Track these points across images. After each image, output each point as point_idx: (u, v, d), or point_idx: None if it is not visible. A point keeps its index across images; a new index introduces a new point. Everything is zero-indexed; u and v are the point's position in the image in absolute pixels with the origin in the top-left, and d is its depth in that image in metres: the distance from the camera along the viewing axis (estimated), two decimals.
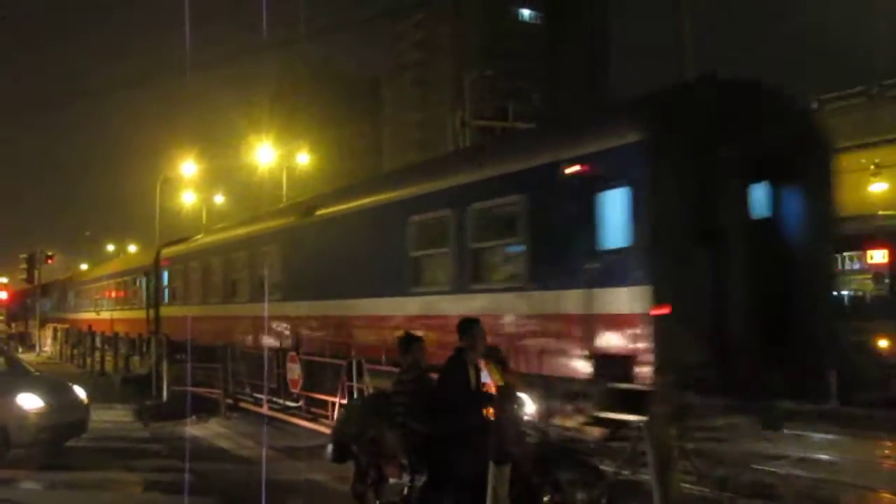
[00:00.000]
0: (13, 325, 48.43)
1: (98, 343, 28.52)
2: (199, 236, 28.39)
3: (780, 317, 9.91)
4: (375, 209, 15.53)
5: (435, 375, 7.72)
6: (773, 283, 10.02)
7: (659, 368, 8.59)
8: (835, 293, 12.61)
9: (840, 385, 12.87)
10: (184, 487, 9.91)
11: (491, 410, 7.05)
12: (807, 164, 10.92)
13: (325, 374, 14.69)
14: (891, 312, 15.53)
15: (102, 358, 27.19)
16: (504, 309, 11.75)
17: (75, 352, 31.17)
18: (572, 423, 9.70)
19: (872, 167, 27.78)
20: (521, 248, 11.74)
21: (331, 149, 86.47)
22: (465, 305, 12.16)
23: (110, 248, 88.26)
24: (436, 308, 13.09)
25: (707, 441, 9.62)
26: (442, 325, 11.65)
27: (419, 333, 8.90)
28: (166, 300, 27.93)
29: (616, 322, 9.84)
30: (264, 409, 16.05)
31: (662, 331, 9.29)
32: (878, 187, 28.00)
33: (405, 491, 7.52)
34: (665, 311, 9.36)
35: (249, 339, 19.24)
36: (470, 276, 12.68)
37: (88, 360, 28.52)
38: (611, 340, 9.93)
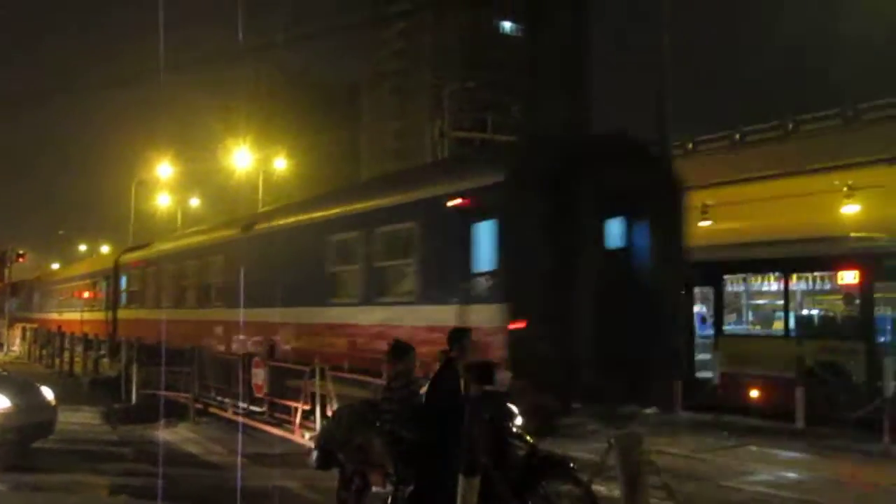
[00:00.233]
0: None
1: (67, 344, 28.24)
2: (156, 244, 29.99)
3: (628, 333, 11.37)
4: (302, 228, 17.54)
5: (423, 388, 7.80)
6: (622, 304, 11.54)
7: (514, 373, 10.10)
8: (680, 314, 14.03)
9: (684, 394, 15.69)
10: (150, 492, 9.84)
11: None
12: (660, 203, 12.84)
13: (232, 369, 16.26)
14: (861, 333, 15.70)
15: (71, 359, 26.92)
16: (400, 320, 13.55)
17: (44, 352, 30.85)
18: None
19: (845, 189, 28.04)
20: (413, 267, 13.74)
21: (308, 155, 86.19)
22: (370, 316, 14.43)
23: (83, 248, 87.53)
24: (348, 317, 15.13)
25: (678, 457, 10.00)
26: (353, 333, 14.68)
27: (335, 340, 12.31)
28: (124, 303, 29.64)
29: (483, 332, 10.95)
30: (229, 414, 15.98)
31: (517, 342, 11.01)
32: (850, 209, 28.25)
33: (389, 500, 7.49)
34: (520, 325, 11.17)
35: (196, 341, 19.77)
36: (375, 290, 14.70)
37: (57, 361, 28.24)
38: (479, 346, 10.26)
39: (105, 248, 68.22)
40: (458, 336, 7.67)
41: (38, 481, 10.62)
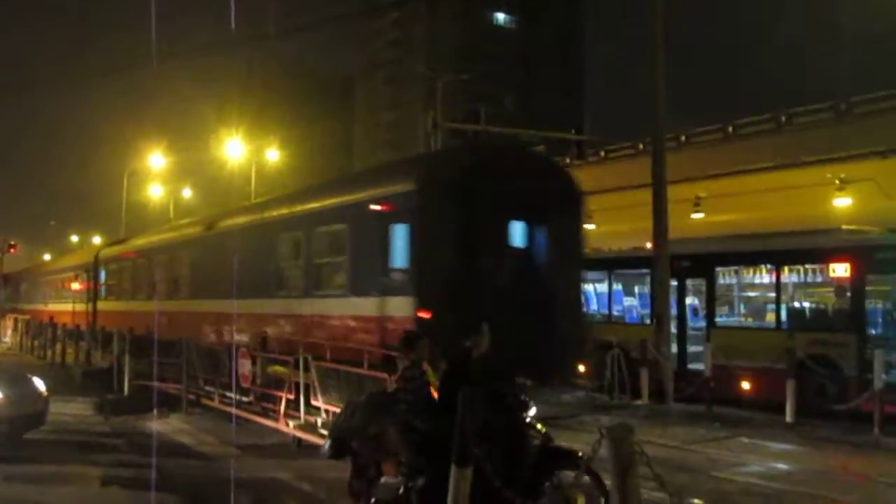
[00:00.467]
0: None
1: (59, 335, 28.21)
2: (132, 239, 32.07)
3: (529, 320, 12.93)
4: (256, 227, 19.39)
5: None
6: (524, 296, 13.39)
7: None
8: (581, 303, 16.21)
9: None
10: (142, 483, 9.86)
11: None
12: (559, 209, 14.62)
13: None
14: (852, 325, 15.76)
15: (63, 350, 26.86)
16: (334, 311, 15.49)
17: (36, 343, 30.80)
18: None
19: (837, 182, 28.11)
20: (344, 264, 15.55)
21: (301, 146, 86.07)
22: (310, 307, 16.28)
23: (75, 238, 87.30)
24: (291, 308, 16.90)
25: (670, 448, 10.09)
26: (295, 322, 16.50)
27: (283, 328, 14.60)
28: (103, 295, 31.61)
29: (396, 322, 13.35)
30: (216, 403, 15.96)
31: (424, 329, 11.95)
32: (842, 202, 28.33)
33: (401, 490, 7.46)
34: (427, 314, 12.85)
35: (167, 331, 20.49)
36: (313, 284, 16.44)
37: (49, 352, 28.19)
38: (393, 334, 13.00)
39: (97, 239, 68.10)
40: (474, 328, 7.69)
41: (30, 472, 10.60)
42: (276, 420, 13.54)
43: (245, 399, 15.21)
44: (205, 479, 10.73)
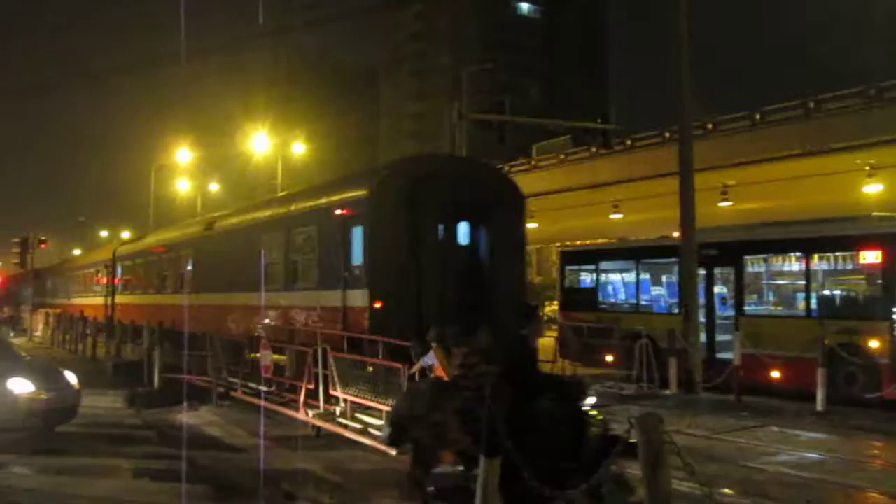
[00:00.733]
0: (4, 309, 48.31)
1: (89, 329, 28.49)
2: (145, 237, 34.61)
3: (473, 308, 14.27)
4: (246, 227, 21.55)
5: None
6: (469, 288, 15.24)
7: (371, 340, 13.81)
8: (524, 294, 17.38)
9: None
10: (173, 474, 9.92)
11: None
12: (501, 210, 16.43)
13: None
14: (883, 313, 15.59)
15: (94, 344, 27.12)
16: (307, 302, 17.42)
17: (66, 337, 31.11)
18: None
19: (867, 168, 27.82)
20: (315, 261, 17.45)
21: (327, 139, 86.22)
22: (288, 300, 18.30)
23: (104, 233, 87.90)
24: (274, 301, 18.67)
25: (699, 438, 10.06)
26: (277, 312, 18.54)
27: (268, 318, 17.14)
28: (120, 290, 33.58)
29: (355, 311, 15.43)
30: (238, 394, 16.05)
31: (376, 316, 14.77)
32: (872, 188, 28.04)
33: (460, 479, 7.38)
34: (379, 305, 14.95)
35: (174, 322, 22.68)
36: (291, 279, 18.37)
37: (80, 346, 28.47)
38: (353, 322, 15.43)
39: (126, 234, 68.54)
40: (530, 314, 7.67)
41: (63, 465, 10.73)
42: (297, 410, 13.67)
43: (266, 389, 15.40)
44: (235, 470, 10.79)
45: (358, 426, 12.22)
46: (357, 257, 15.77)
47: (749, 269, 18.75)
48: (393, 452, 11.10)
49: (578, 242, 43.31)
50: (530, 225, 42.97)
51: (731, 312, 18.64)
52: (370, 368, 12.58)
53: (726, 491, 9.23)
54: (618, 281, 22.49)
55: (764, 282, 18.87)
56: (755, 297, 18.88)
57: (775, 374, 16.87)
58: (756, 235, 19.06)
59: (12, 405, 11.59)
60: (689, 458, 6.13)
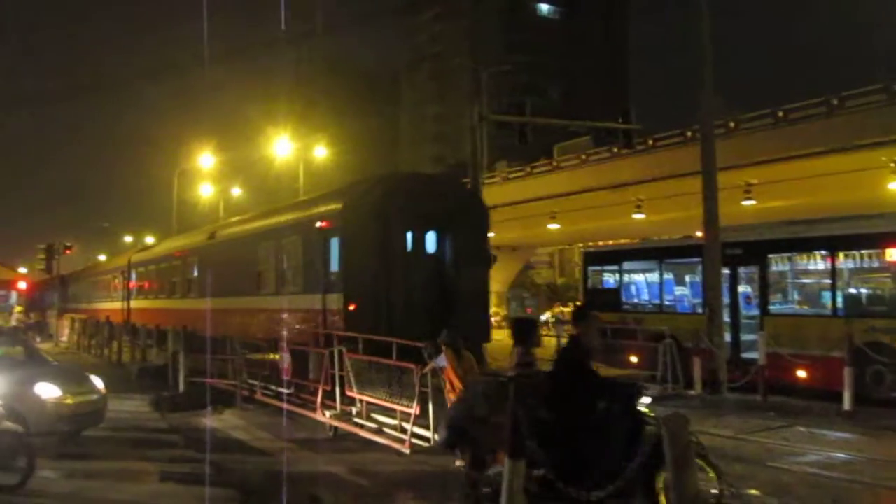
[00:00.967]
0: (31, 314, 48.71)
1: (115, 334, 28.72)
2: (157, 245, 37.35)
3: (440, 309, 16.04)
4: (242, 237, 23.45)
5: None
6: (436, 290, 17.06)
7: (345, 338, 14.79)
8: (486, 296, 19.28)
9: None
10: (199, 478, 9.97)
11: None
12: (465, 221, 18.14)
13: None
14: None
15: (119, 348, 27.31)
16: (293, 306, 19.05)
17: (92, 342, 31.35)
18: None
19: (892, 165, 27.54)
20: (300, 268, 19.14)
21: (348, 142, 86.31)
22: (278, 303, 19.73)
23: (128, 239, 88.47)
24: (266, 303, 20.47)
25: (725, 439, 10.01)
26: (268, 314, 20.19)
27: (261, 319, 19.43)
28: (134, 295, 35.33)
29: (332, 312, 17.08)
30: (258, 395, 16.10)
31: (350, 317, 16.46)
32: None
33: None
34: (352, 307, 16.60)
35: (181, 326, 22.59)
36: (281, 284, 20.13)
37: (105, 351, 28.67)
38: (330, 323, 16.95)
39: (149, 239, 68.96)
40: (584, 314, 7.65)
41: (90, 468, 10.80)
42: (314, 411, 13.87)
43: (286, 391, 15.65)
44: (260, 474, 10.84)
45: (373, 426, 12.48)
46: (335, 265, 17.45)
47: (774, 267, 18.62)
48: (407, 451, 11.29)
49: (601, 243, 43.20)
50: (552, 226, 43.28)
51: (755, 312, 18.52)
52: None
53: (753, 492, 9.17)
54: (641, 281, 22.41)
55: (789, 281, 18.74)
56: (780, 296, 18.74)
57: (801, 374, 16.75)
58: (780, 234, 18.92)
59: (40, 410, 11.68)
60: (715, 458, 6.09)
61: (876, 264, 16.90)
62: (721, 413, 14.93)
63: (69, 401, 12.17)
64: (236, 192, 61.44)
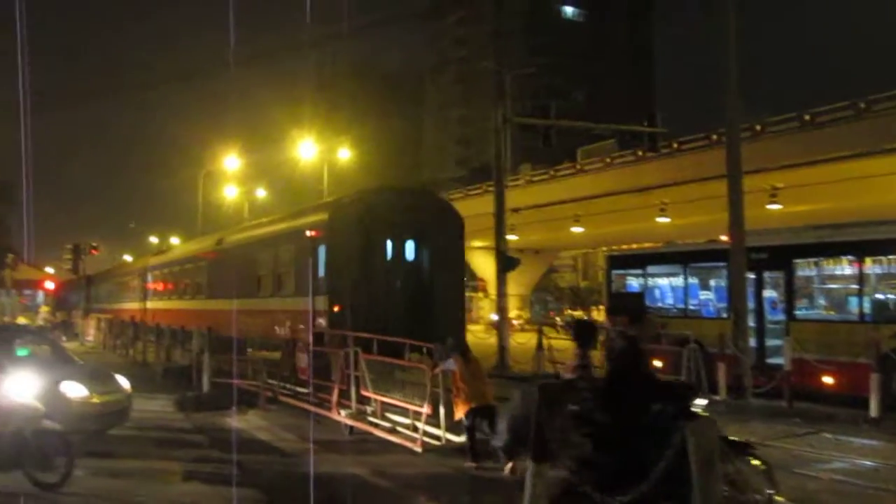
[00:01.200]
0: (57, 314, 49.16)
1: (140, 334, 28.96)
2: (171, 250, 40.53)
3: (418, 311, 18.14)
4: (245, 244, 25.57)
5: None
6: (414, 293, 18.86)
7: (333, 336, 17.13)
8: (461, 300, 20.90)
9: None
10: (223, 478, 10.03)
11: None
12: (441, 231, 19.87)
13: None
14: None
15: (144, 348, 27.51)
16: (287, 307, 20.82)
17: (118, 342, 31.59)
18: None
19: None
20: (293, 273, 20.95)
21: (371, 144, 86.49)
22: (276, 304, 21.69)
23: (153, 239, 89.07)
24: (267, 305, 22.32)
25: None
26: (270, 315, 21.76)
27: (262, 320, 21.58)
28: (151, 296, 37.50)
29: (320, 313, 18.68)
30: (272, 392, 16.17)
31: (335, 317, 18.16)
32: None
33: (575, 483, 7.19)
34: (337, 308, 18.22)
35: (193, 325, 24.97)
36: (277, 288, 22.04)
37: (131, 351, 28.89)
38: (319, 322, 18.62)
39: (175, 240, 69.42)
40: (640, 316, 7.66)
41: (115, 467, 10.87)
42: (331, 410, 14.15)
43: (302, 390, 16.24)
44: (284, 474, 10.89)
45: (387, 425, 12.84)
46: (321, 270, 19.13)
47: (800, 272, 18.46)
48: (419, 450, 11.41)
49: (625, 247, 43.04)
50: (576, 229, 43.20)
51: (781, 317, 18.37)
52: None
53: (779, 499, 9.08)
54: (665, 285, 22.29)
55: (815, 285, 18.57)
56: (806, 301, 18.58)
57: (827, 380, 16.58)
58: (807, 238, 18.77)
59: (66, 408, 11.77)
60: (741, 465, 6.04)
61: None
62: (746, 419, 14.82)
63: (95, 400, 12.29)
64: (261, 193, 61.72)
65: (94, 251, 44.19)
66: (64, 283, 58.62)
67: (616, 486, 6.48)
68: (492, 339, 27.06)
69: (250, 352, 19.22)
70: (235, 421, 15.30)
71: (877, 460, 11.53)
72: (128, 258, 70.44)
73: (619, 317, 8.30)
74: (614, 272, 24.42)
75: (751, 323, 18.29)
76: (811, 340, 16.85)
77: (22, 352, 14.06)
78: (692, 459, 5.72)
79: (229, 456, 11.30)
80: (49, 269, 59.46)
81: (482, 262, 58.02)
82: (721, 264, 19.45)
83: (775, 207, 30.50)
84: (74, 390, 12.11)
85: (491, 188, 31.56)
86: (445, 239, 19.92)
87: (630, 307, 8.34)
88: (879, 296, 16.99)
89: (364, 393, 13.50)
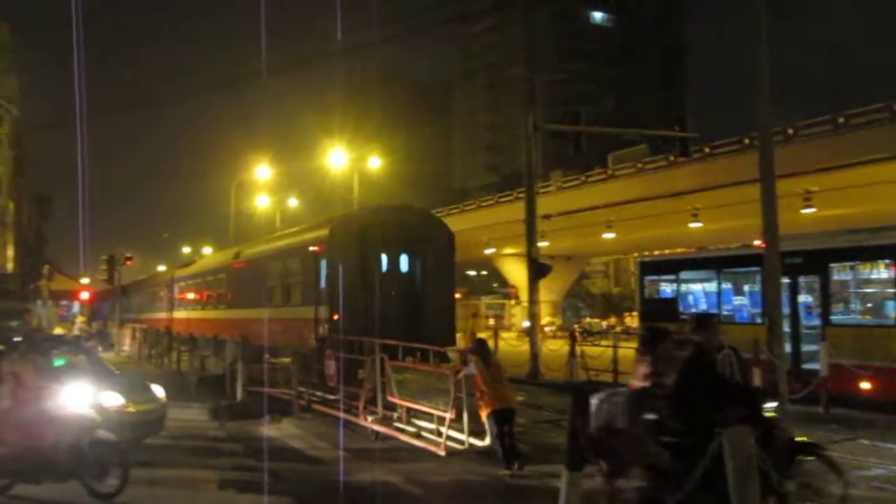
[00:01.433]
0: (93, 324, 49.72)
1: (174, 344, 29.21)
2: (196, 262, 41.93)
3: (411, 317, 19.88)
4: (257, 257, 27.32)
5: None
6: (408, 302, 20.45)
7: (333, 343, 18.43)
8: (452, 308, 21.99)
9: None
10: (258, 486, 10.07)
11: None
12: (432, 245, 21.34)
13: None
14: None
15: (178, 357, 27.73)
16: (293, 315, 22.34)
17: (152, 351, 31.88)
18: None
19: None
20: (299, 285, 22.60)
21: (402, 152, 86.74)
22: (283, 313, 23.11)
23: (186, 249, 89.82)
24: (276, 314, 23.43)
25: None
26: (277, 324, 22.76)
27: (273, 327, 22.23)
28: (177, 306, 39.19)
29: (321, 321, 20.25)
30: (295, 398, 16.22)
31: (334, 324, 19.53)
32: None
33: (650, 495, 7.12)
34: (336, 316, 19.55)
35: (220, 334, 27.76)
36: (285, 298, 23.57)
37: (165, 360, 29.14)
38: (322, 329, 20.12)
39: (207, 250, 69.98)
40: (706, 323, 7.61)
41: (153, 476, 10.94)
42: (358, 416, 14.55)
43: (331, 397, 16.78)
44: (318, 483, 10.92)
45: (412, 429, 13.19)
46: (323, 282, 20.65)
47: (835, 277, 18.27)
48: (442, 453, 11.67)
49: (657, 252, 42.75)
50: (607, 235, 43.03)
51: (816, 322, 18.19)
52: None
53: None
54: (699, 291, 22.16)
55: (851, 290, 18.37)
56: (842, 306, 18.38)
57: (865, 385, 16.39)
58: (842, 242, 18.57)
59: (103, 417, 11.88)
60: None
61: None
62: (782, 425, 14.65)
63: (131, 409, 12.39)
64: (292, 202, 62.06)
65: (128, 261, 44.55)
66: (99, 293, 59.25)
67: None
68: (524, 347, 27.00)
69: (268, 358, 19.96)
70: (269, 429, 15.38)
71: None
72: (162, 268, 71.09)
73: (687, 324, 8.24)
74: (647, 278, 24.31)
75: (785, 328, 18.11)
76: (847, 346, 16.67)
77: (59, 362, 14.20)
78: (728, 466, 5.69)
79: (264, 464, 11.36)
80: (84, 280, 60.16)
81: (513, 269, 57.98)
82: (755, 269, 19.30)
83: (809, 211, 30.20)
84: (111, 399, 12.22)
85: (521, 195, 31.55)
86: (436, 252, 21.50)
87: (695, 314, 8.52)
88: None
89: (390, 399, 13.88)
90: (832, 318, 17.84)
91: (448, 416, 11.94)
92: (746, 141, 34.94)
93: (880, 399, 15.94)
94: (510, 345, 28.23)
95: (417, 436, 12.94)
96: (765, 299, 18.41)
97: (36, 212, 61.59)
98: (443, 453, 11.84)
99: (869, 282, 18.09)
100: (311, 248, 21.19)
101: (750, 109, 19.05)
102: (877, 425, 14.52)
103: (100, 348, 33.87)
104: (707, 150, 38.68)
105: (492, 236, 49.82)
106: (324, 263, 20.66)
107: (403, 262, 21.40)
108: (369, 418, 14.19)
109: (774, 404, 7.38)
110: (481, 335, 26.67)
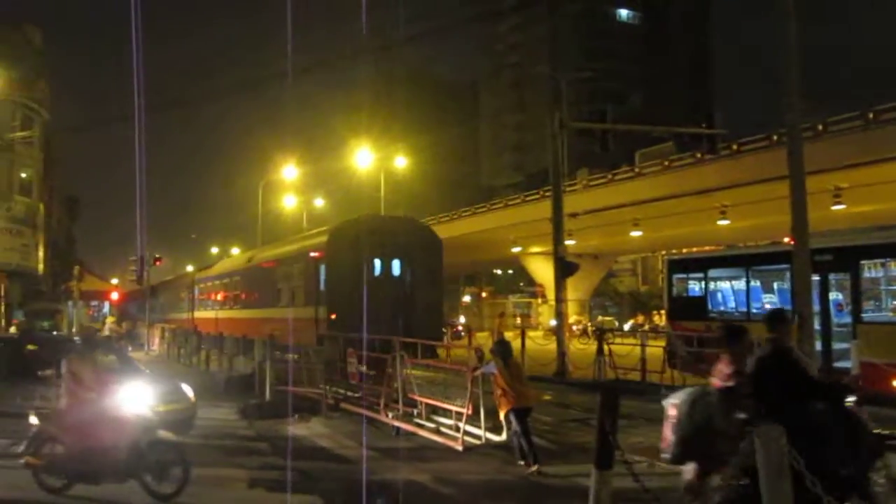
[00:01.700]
0: (122, 324, 50.19)
1: (202, 343, 29.40)
2: (215, 265, 45.47)
3: (402, 318, 21.67)
4: (267, 262, 30.06)
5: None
6: (399, 304, 22.63)
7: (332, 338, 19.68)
8: (440, 310, 25.51)
9: None
10: (285, 485, 10.10)
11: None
12: (423, 251, 24.40)
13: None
14: None
15: (207, 357, 27.89)
16: (296, 315, 24.07)
17: (181, 351, 32.08)
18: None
19: None
20: (301, 288, 25.34)
21: (428, 152, 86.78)
22: (287, 314, 24.92)
23: (214, 250, 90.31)
24: (281, 314, 25.92)
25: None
26: (281, 322, 24.85)
27: (278, 325, 24.59)
28: (197, 306, 42.52)
29: (320, 320, 22.65)
30: (327, 399, 16.26)
31: (332, 323, 21.81)
32: None
33: (743, 493, 7.03)
34: (333, 316, 21.93)
35: (234, 332, 29.16)
36: (290, 299, 26.08)
37: (194, 359, 29.32)
38: (321, 328, 22.12)
39: (235, 250, 70.33)
40: (780, 319, 7.55)
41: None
42: (378, 412, 14.85)
43: (353, 395, 17.08)
44: (346, 481, 10.94)
45: (432, 426, 13.51)
46: (323, 285, 23.24)
47: (867, 273, 18.08)
48: (459, 448, 12.02)
49: (685, 250, 42.49)
50: (634, 233, 42.85)
51: (847, 319, 18.01)
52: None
53: None
54: (727, 288, 22.01)
55: (882, 287, 18.18)
56: (873, 303, 18.19)
57: None
58: (873, 239, 18.37)
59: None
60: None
61: None
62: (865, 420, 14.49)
63: (161, 408, 12.47)
64: (319, 202, 62.28)
65: (158, 262, 44.94)
66: (128, 293, 59.78)
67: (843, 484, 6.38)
68: (551, 345, 26.95)
69: (293, 357, 20.73)
70: (298, 428, 15.43)
71: None
72: (190, 268, 71.55)
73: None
74: (675, 276, 24.19)
75: (815, 326, 17.96)
76: (879, 343, 16.49)
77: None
78: (760, 466, 5.63)
79: (292, 463, 11.40)
80: (114, 281, 60.73)
81: (540, 268, 57.83)
82: (784, 266, 19.14)
83: (839, 208, 29.91)
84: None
85: (548, 193, 31.47)
86: (426, 257, 24.20)
87: (770, 310, 8.40)
88: None
89: (410, 395, 14.21)
90: (863, 315, 17.66)
91: (465, 411, 12.20)
92: (775, 137, 34.59)
93: None
94: (537, 343, 28.12)
95: (437, 431, 13.22)
96: (794, 297, 18.27)
97: (65, 214, 62.17)
98: (460, 448, 12.10)
99: None
100: (312, 254, 23.99)
101: (779, 105, 18.94)
102: None
103: (130, 348, 34.16)
104: (735, 146, 38.34)
105: (518, 235, 49.74)
106: (323, 268, 23.38)
107: (395, 267, 24.10)
108: (390, 415, 14.50)
109: (854, 398, 7.26)
110: (508, 334, 26.82)
